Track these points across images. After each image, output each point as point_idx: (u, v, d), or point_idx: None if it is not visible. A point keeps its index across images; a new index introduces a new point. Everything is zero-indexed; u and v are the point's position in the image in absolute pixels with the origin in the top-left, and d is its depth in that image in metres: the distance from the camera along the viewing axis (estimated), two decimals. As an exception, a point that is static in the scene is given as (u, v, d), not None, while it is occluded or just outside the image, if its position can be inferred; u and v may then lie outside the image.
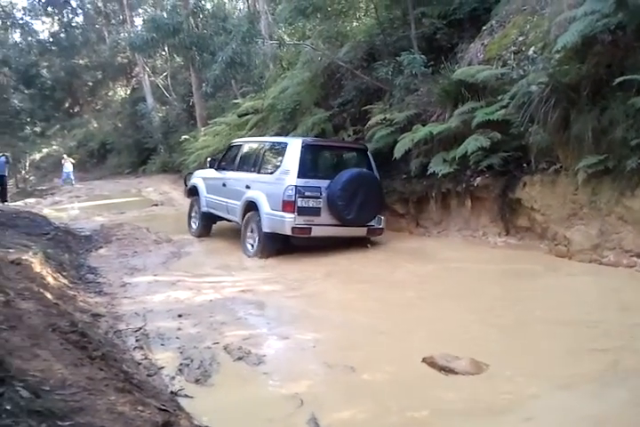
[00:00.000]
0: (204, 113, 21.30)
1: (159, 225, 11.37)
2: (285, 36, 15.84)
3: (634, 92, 5.46)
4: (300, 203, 7.57)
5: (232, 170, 9.15)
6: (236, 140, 10.31)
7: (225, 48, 13.90)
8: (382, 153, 9.03)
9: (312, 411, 3.22)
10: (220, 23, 18.54)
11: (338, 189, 7.65)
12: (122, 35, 33.31)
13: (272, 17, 17.64)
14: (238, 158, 9.18)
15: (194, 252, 8.71)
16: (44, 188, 28.02)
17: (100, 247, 8.98)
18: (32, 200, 19.06)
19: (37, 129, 37.41)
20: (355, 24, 13.64)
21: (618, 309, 4.72)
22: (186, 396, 3.47)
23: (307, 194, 7.63)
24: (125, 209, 14.92)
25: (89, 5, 38.01)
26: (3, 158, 16.59)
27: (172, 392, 3.50)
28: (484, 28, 9.24)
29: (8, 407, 2.09)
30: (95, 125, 38.48)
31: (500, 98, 7.37)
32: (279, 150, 8.25)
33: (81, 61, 37.19)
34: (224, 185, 9.11)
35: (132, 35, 22.91)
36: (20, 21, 36.45)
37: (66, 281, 6.00)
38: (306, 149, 7.80)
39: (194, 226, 10.18)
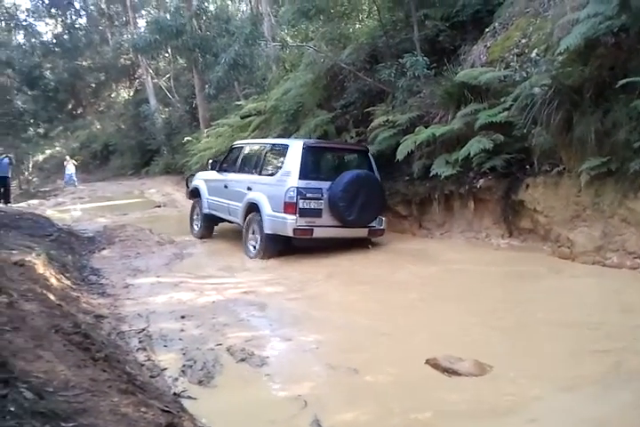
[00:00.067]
0: (207, 115, 21.32)
1: (162, 226, 11.38)
2: (288, 38, 15.90)
3: (637, 95, 5.46)
4: (302, 204, 7.59)
5: (233, 172, 9.18)
6: (238, 142, 10.33)
7: (228, 50, 13.90)
8: (385, 155, 9.04)
9: (315, 413, 3.22)
10: (223, 25, 18.55)
11: (339, 191, 7.67)
12: (125, 36, 33.36)
13: (275, 19, 17.69)
14: (240, 160, 9.21)
15: (196, 253, 8.72)
16: (47, 189, 28.10)
17: (103, 249, 8.99)
18: (35, 201, 19.10)
19: (40, 130, 37.43)
20: (357, 26, 13.65)
21: (620, 310, 4.71)
22: (189, 397, 3.47)
23: (308, 195, 7.64)
24: (128, 210, 14.93)
25: (92, 7, 38.08)
26: (6, 160, 16.59)
27: (175, 394, 3.50)
28: (487, 30, 9.24)
29: (12, 409, 2.10)
30: (98, 127, 38.60)
31: (502, 100, 7.37)
32: (280, 152, 8.27)
33: (84, 63, 37.24)
34: (225, 187, 9.14)
35: (135, 36, 22.97)
36: (24, 23, 36.47)
37: (69, 282, 6.00)
38: (307, 150, 7.81)
39: (196, 228, 10.20)
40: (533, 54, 7.56)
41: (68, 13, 37.33)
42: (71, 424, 2.22)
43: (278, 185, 7.76)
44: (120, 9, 35.92)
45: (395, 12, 11.57)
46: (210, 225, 9.99)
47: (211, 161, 10.55)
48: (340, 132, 10.93)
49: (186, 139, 20.09)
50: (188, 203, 10.87)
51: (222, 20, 19.50)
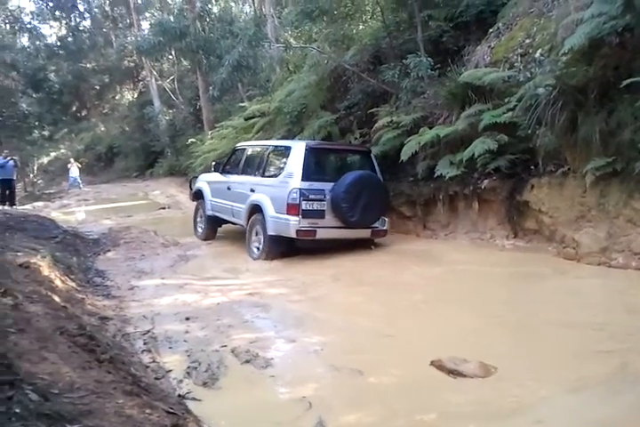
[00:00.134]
0: (211, 116, 21.35)
1: (166, 228, 11.41)
2: (292, 40, 15.89)
3: (642, 95, 5.44)
4: (305, 206, 7.61)
5: (236, 173, 9.20)
6: (240, 144, 10.36)
7: (231, 51, 13.92)
8: (389, 156, 9.05)
9: (319, 414, 3.22)
10: (227, 27, 18.58)
11: (341, 192, 7.68)
12: (129, 38, 33.49)
13: (278, 20, 17.68)
14: (242, 162, 9.24)
15: (201, 255, 8.72)
16: (51, 191, 28.18)
17: (108, 251, 9.01)
18: (40, 204, 19.18)
19: (45, 133, 37.57)
20: (361, 27, 13.64)
21: (626, 311, 4.69)
22: (194, 399, 3.47)
23: (311, 197, 7.66)
24: (133, 212, 14.97)
25: (96, 9, 38.26)
26: (11, 162, 16.64)
27: (179, 395, 3.50)
28: (491, 30, 9.22)
29: (17, 411, 2.11)
30: (102, 129, 38.74)
31: (507, 100, 7.35)
32: (283, 154, 8.31)
33: (88, 65, 37.39)
34: (229, 188, 9.16)
35: (139, 38, 23.05)
36: (28, 26, 36.68)
37: (74, 284, 6.02)
38: (309, 152, 7.82)
39: (200, 229, 10.23)
40: (537, 54, 7.53)
41: (72, 16, 37.48)
42: (76, 426, 2.22)
43: (281, 187, 7.77)
44: (124, 11, 36.04)
45: (398, 13, 11.56)
46: (213, 227, 10.02)
47: (214, 163, 10.58)
48: (344, 133, 10.92)
49: (190, 140, 20.11)
50: (193, 204, 10.90)
51: (226, 22, 19.53)
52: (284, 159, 8.12)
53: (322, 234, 7.68)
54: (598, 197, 6.02)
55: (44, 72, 35.01)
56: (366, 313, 5.27)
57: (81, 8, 37.82)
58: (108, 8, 37.65)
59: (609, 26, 5.60)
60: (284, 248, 7.86)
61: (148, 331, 4.83)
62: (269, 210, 7.83)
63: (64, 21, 38.04)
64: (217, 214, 9.64)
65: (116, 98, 40.89)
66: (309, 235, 7.61)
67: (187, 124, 26.07)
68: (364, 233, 8.08)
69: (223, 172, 9.60)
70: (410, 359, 4.06)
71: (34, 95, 35.07)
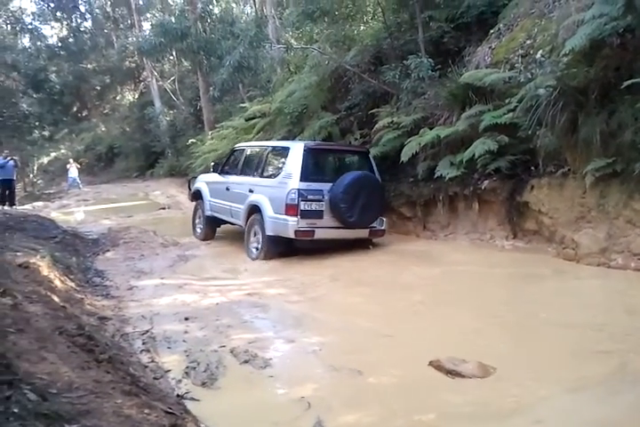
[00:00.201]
0: (212, 117, 21.33)
1: (166, 228, 11.42)
2: (293, 40, 15.86)
3: (642, 96, 5.44)
4: (303, 206, 7.63)
5: (235, 174, 9.23)
6: (239, 145, 10.40)
7: (232, 52, 13.92)
8: (389, 156, 9.05)
9: (318, 414, 3.21)
10: (228, 27, 18.56)
11: (340, 192, 7.71)
12: (130, 39, 33.52)
13: (279, 21, 17.68)
14: (241, 162, 9.28)
15: (200, 255, 8.73)
16: (51, 191, 28.19)
17: (108, 251, 9.02)
18: (40, 204, 19.19)
19: (46, 133, 37.56)
20: (362, 28, 13.63)
21: (625, 312, 4.69)
22: (192, 399, 3.47)
23: (309, 197, 7.68)
24: (133, 212, 14.97)
25: (97, 10, 38.25)
26: (11, 162, 16.64)
27: (178, 395, 3.50)
28: (492, 31, 9.22)
29: (16, 410, 2.10)
30: (103, 129, 38.74)
31: (507, 101, 7.35)
32: (281, 154, 8.35)
33: (89, 66, 37.41)
34: (227, 189, 9.18)
35: (140, 39, 23.01)
36: (30, 26, 36.71)
37: (73, 284, 6.02)
38: (308, 152, 7.85)
39: (198, 230, 10.25)
40: (538, 55, 7.52)
41: (73, 17, 37.53)
42: (75, 426, 2.22)
43: (280, 187, 7.79)
44: (125, 12, 36.05)
45: (399, 14, 11.57)
46: (212, 227, 10.04)
47: (212, 163, 10.60)
48: (345, 133, 10.92)
49: (190, 141, 20.10)
50: (192, 205, 10.90)
51: (227, 23, 19.52)
52: (283, 160, 8.15)
53: (320, 234, 7.71)
54: (598, 197, 6.02)
55: (44, 73, 34.99)
56: (365, 313, 5.27)
57: (82, 9, 37.93)
58: (109, 9, 37.67)
59: (610, 27, 5.61)
60: (283, 248, 7.87)
61: (147, 331, 4.83)
62: (268, 210, 7.84)
63: (65, 22, 38.08)
64: (216, 215, 9.65)
65: (117, 98, 40.91)
66: (308, 235, 7.64)
67: (187, 125, 26.07)
68: (363, 233, 8.11)
69: (222, 172, 9.62)
70: (409, 360, 4.05)
71: (34, 96, 35.05)
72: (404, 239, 8.83)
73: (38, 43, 37.11)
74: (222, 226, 10.00)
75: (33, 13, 37.39)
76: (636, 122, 5.56)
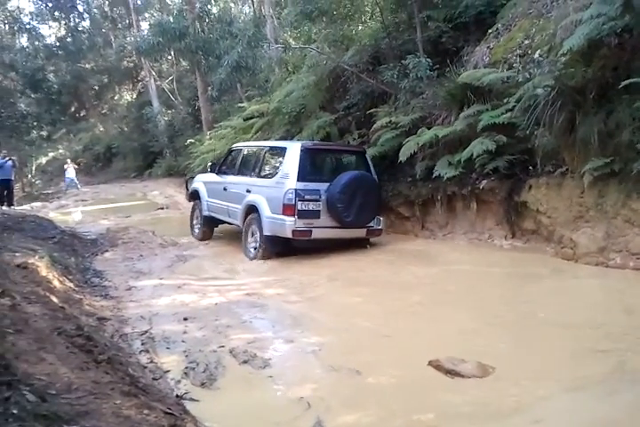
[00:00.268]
0: (210, 117, 21.31)
1: (165, 228, 11.42)
2: (291, 40, 15.90)
3: (640, 95, 5.45)
4: (300, 206, 7.65)
5: (232, 174, 9.26)
6: (236, 145, 10.41)
7: (231, 52, 13.91)
8: (388, 156, 9.06)
9: (317, 414, 3.22)
10: (226, 27, 18.53)
11: (337, 192, 7.73)
12: (128, 39, 33.48)
13: (278, 21, 17.71)
14: (238, 163, 9.29)
15: (199, 255, 8.73)
16: (50, 191, 28.13)
17: (106, 251, 9.02)
18: (38, 204, 19.15)
19: (44, 133, 37.46)
20: (360, 28, 13.63)
21: (623, 311, 4.69)
22: (191, 399, 3.47)
23: (306, 197, 7.70)
24: (131, 213, 14.96)
25: (95, 10, 38.20)
26: (9, 162, 16.62)
27: (177, 396, 3.50)
28: (490, 31, 9.23)
29: (15, 411, 2.10)
30: (101, 129, 38.71)
31: (505, 101, 7.36)
32: (278, 154, 8.37)
33: (87, 66, 37.34)
34: (225, 189, 9.19)
35: (138, 39, 23.01)
36: (28, 26, 36.55)
37: (72, 285, 6.01)
38: (305, 152, 7.87)
39: (196, 230, 10.26)
40: (536, 55, 7.53)
41: (71, 16, 37.45)
42: (73, 427, 2.22)
43: (277, 187, 7.81)
44: (123, 12, 36.02)
45: (397, 14, 11.58)
46: (210, 227, 10.07)
47: (210, 163, 10.60)
48: (343, 133, 10.92)
49: (188, 141, 20.09)
50: (190, 205, 10.90)
51: (225, 23, 19.48)
52: (280, 160, 8.17)
53: (317, 234, 7.73)
54: (596, 197, 6.03)
55: (42, 72, 34.94)
56: (364, 313, 5.27)
57: (80, 8, 37.86)
58: (107, 8, 37.65)
59: (608, 27, 5.61)
60: (280, 248, 7.90)
61: (146, 331, 4.82)
62: (265, 210, 7.86)
63: (63, 22, 38.00)
64: (213, 215, 9.67)
65: (115, 98, 40.85)
66: (305, 235, 7.66)
67: (185, 125, 26.05)
68: (360, 233, 8.14)
69: (219, 172, 9.64)
70: (408, 360, 4.06)
71: (32, 95, 34.99)
72: (402, 239, 8.84)
73: (36, 42, 37.02)
74: (220, 226, 10.01)
75: (31, 13, 37.49)
76: (634, 122, 5.56)
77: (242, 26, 16.86)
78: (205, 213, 9.83)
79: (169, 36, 18.28)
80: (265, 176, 8.36)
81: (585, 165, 5.98)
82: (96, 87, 38.75)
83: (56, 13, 37.35)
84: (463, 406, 3.33)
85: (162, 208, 16.44)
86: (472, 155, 7.36)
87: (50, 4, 36.71)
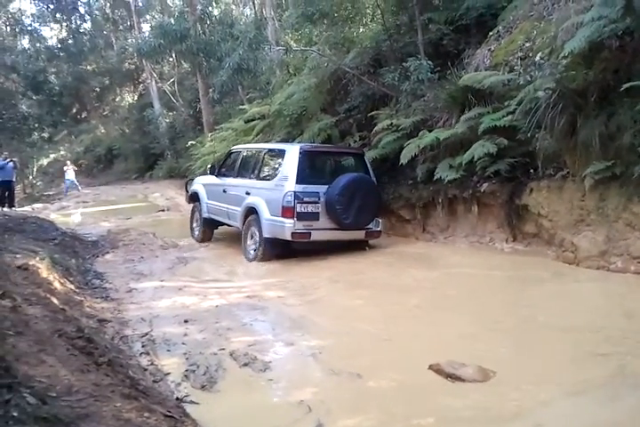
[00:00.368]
0: (211, 119, 21.31)
1: (165, 230, 11.42)
2: (292, 42, 15.88)
3: (641, 98, 5.44)
4: (299, 208, 7.68)
5: (232, 176, 9.29)
6: (236, 147, 10.42)
7: (232, 54, 13.91)
8: (389, 159, 9.07)
9: (318, 418, 3.21)
10: (228, 29, 18.51)
11: (336, 194, 7.75)
12: (129, 41, 33.47)
13: (279, 23, 17.71)
14: (238, 165, 9.32)
15: (199, 257, 8.72)
16: (51, 193, 28.12)
17: (107, 253, 9.02)
18: (39, 205, 19.16)
19: (45, 135, 37.48)
20: (361, 30, 13.65)
21: (624, 315, 4.69)
22: (192, 402, 3.46)
23: (305, 199, 7.73)
24: (132, 214, 14.97)
25: (97, 12, 38.29)
26: (10, 164, 16.64)
27: (177, 399, 3.49)
28: (491, 33, 9.23)
29: (15, 414, 2.10)
30: (102, 131, 38.72)
31: (506, 104, 7.36)
32: (278, 157, 8.40)
33: (89, 67, 37.40)
34: (224, 191, 9.21)
35: (139, 41, 22.95)
36: (29, 28, 36.71)
37: (72, 286, 6.01)
38: (304, 155, 7.90)
39: (196, 232, 10.27)
40: (537, 58, 7.53)
41: (72, 18, 37.45)
42: (73, 429, 2.22)
43: (276, 190, 7.83)
44: (124, 14, 36.05)
45: (398, 16, 11.59)
46: (210, 229, 10.09)
47: (209, 166, 10.62)
48: (344, 136, 10.92)
49: (190, 143, 20.08)
50: (191, 207, 10.91)
51: (226, 25, 19.46)
52: (279, 162, 8.19)
53: (316, 236, 7.75)
54: (597, 200, 6.02)
55: (44, 74, 34.97)
56: (365, 317, 5.26)
57: (82, 10, 37.89)
58: (108, 10, 37.65)
59: (609, 29, 5.61)
60: (280, 250, 7.92)
61: (147, 333, 4.82)
62: (265, 213, 7.88)
63: (65, 24, 37.97)
64: (213, 217, 9.69)
65: (116, 100, 40.89)
66: (304, 237, 7.69)
67: (187, 127, 26.06)
68: (359, 234, 8.16)
69: (219, 174, 9.68)
70: (408, 363, 4.05)
71: (34, 97, 35.01)
72: (403, 242, 8.84)
73: (38, 44, 37.09)
74: (220, 227, 10.02)
75: (32, 15, 37.40)
76: (635, 125, 5.56)
77: (243, 28, 16.85)
78: (205, 215, 9.85)
79: (170, 38, 18.27)
80: (264, 178, 8.38)
81: (586, 168, 5.97)
82: (97, 89, 38.80)
83: (57, 15, 37.37)
84: (464, 410, 3.32)
85: (163, 210, 16.44)
86: (473, 158, 7.36)
87: (51, 6, 36.74)
